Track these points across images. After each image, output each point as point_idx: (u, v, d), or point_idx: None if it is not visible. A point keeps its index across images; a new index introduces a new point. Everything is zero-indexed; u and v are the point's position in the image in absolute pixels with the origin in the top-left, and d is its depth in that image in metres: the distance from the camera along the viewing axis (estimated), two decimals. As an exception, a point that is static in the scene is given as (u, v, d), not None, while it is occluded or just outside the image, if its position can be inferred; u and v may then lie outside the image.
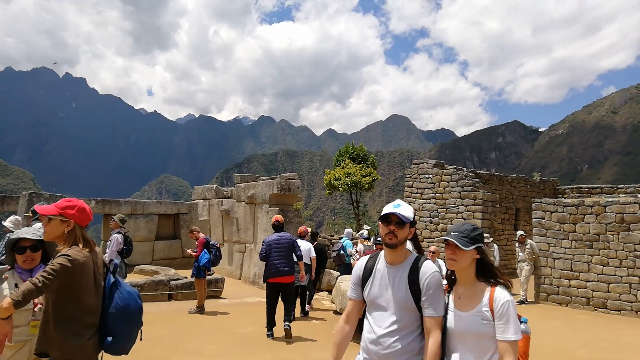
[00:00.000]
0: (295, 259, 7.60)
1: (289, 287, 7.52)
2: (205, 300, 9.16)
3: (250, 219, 13.46)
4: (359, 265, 2.71)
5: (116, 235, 8.64)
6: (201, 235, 9.30)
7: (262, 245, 7.58)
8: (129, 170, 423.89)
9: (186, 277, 10.89)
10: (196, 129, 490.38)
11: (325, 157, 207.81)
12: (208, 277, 9.87)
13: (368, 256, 2.75)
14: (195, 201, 17.18)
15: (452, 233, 2.39)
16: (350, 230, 12.58)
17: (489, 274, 2.38)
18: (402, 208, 2.51)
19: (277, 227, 7.72)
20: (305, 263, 8.90)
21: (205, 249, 9.08)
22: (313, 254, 9.32)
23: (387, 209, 2.52)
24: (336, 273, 11.43)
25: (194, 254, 9.18)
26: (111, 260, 8.21)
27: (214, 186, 16.56)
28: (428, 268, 2.47)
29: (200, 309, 8.94)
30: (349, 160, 27.60)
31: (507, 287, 2.35)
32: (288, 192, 12.51)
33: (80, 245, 2.66)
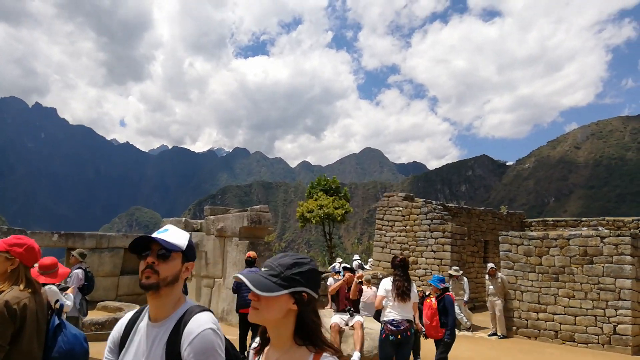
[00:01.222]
0: None
1: None
2: (169, 338, 8.85)
3: (219, 252, 13.20)
4: (121, 322, 1.87)
5: (76, 270, 8.28)
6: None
7: (234, 279, 8.08)
8: (99, 202, 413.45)
9: (151, 314, 10.51)
10: (169, 160, 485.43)
11: (300, 189, 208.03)
12: (173, 314, 9.56)
13: (134, 310, 1.92)
14: (163, 234, 16.77)
15: (262, 268, 1.58)
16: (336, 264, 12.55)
17: (309, 335, 1.53)
18: (169, 233, 1.74)
19: (249, 262, 8.54)
20: None
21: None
22: None
23: (153, 235, 1.74)
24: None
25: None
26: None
27: (183, 219, 16.24)
28: (197, 325, 1.65)
29: (164, 348, 8.60)
30: (321, 193, 27.70)
31: (338, 354, 1.56)
32: (258, 225, 12.37)
33: (22, 286, 2.50)
